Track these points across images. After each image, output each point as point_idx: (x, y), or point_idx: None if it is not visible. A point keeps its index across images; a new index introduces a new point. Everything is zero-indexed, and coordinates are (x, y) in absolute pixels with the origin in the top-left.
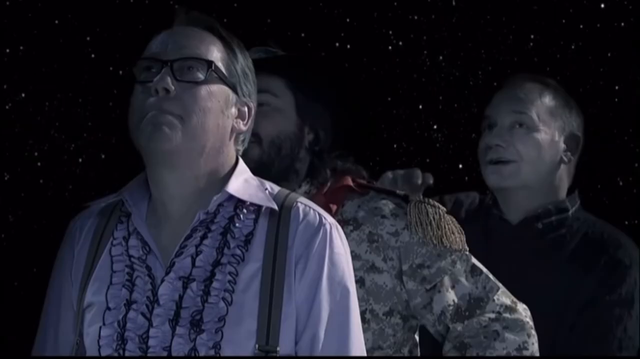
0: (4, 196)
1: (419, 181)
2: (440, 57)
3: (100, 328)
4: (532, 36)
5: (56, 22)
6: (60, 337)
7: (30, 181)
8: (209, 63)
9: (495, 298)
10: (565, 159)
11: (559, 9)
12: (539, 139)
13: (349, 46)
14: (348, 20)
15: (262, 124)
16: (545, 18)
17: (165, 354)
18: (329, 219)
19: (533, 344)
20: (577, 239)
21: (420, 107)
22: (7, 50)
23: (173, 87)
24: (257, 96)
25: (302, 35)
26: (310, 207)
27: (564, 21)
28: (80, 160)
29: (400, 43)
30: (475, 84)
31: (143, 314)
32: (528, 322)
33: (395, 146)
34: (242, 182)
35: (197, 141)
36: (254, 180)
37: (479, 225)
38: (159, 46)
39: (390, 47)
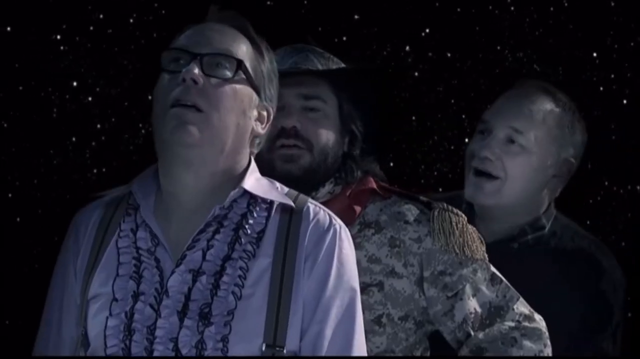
0: (102, 188)
1: None
2: (521, 54)
3: (107, 318)
4: (610, 32)
5: (150, 18)
6: (63, 331)
7: (125, 174)
8: (239, 62)
9: (514, 307)
10: (551, 184)
11: (637, 5)
12: (529, 161)
13: (432, 42)
14: (431, 16)
15: (314, 131)
16: (624, 15)
17: (171, 345)
18: (337, 221)
19: (548, 354)
20: (551, 261)
21: None
22: (103, 46)
23: (201, 80)
24: (309, 101)
25: (384, 29)
26: (320, 208)
27: None
28: None
29: (483, 39)
30: (555, 79)
31: (151, 306)
32: (545, 332)
33: None
34: (255, 181)
35: (218, 139)
36: (263, 179)
37: None
38: (189, 39)
39: (472, 43)
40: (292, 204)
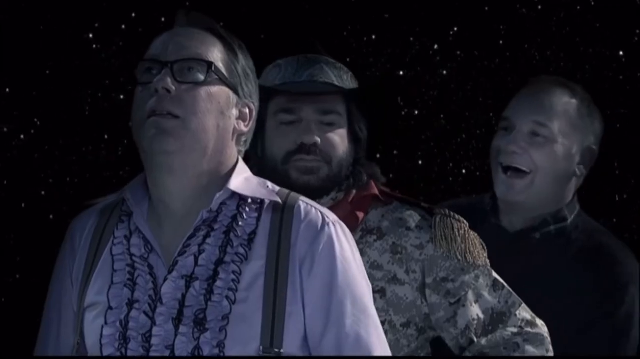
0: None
1: None
2: (549, 52)
3: (102, 327)
4: (637, 31)
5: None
6: (62, 339)
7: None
8: (209, 64)
9: (517, 312)
10: (578, 172)
11: None
12: (555, 150)
13: (461, 41)
14: (460, 15)
15: (333, 146)
16: None
17: (167, 353)
18: (331, 217)
19: None
20: (573, 252)
21: None
22: (135, 45)
23: (174, 87)
24: (327, 116)
25: (413, 27)
26: (311, 206)
27: None
28: None
29: (510, 38)
30: (582, 77)
31: (146, 313)
32: (547, 338)
33: None
34: (243, 181)
35: (199, 143)
36: (254, 179)
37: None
38: (159, 48)
39: (500, 42)
40: (280, 200)
